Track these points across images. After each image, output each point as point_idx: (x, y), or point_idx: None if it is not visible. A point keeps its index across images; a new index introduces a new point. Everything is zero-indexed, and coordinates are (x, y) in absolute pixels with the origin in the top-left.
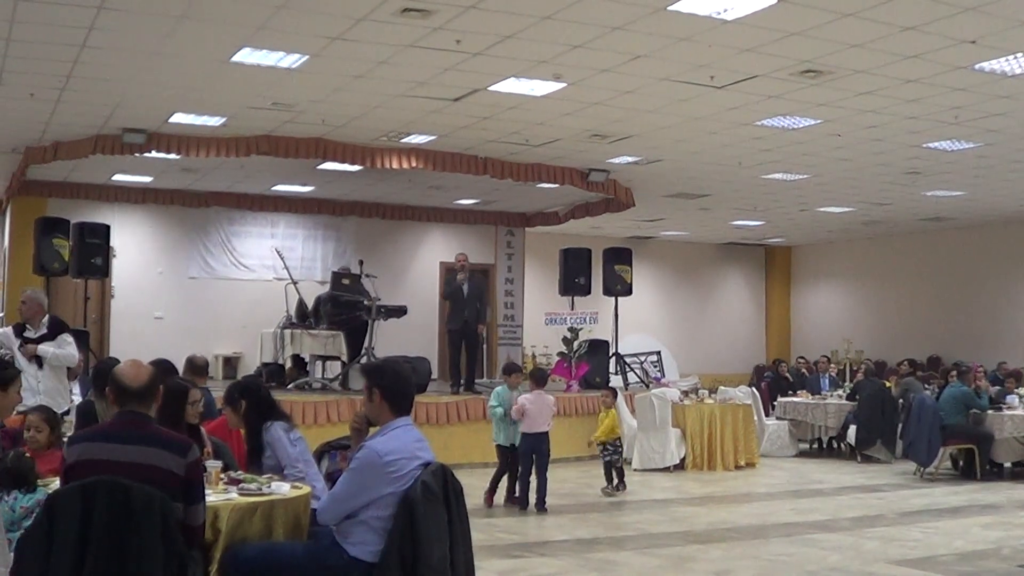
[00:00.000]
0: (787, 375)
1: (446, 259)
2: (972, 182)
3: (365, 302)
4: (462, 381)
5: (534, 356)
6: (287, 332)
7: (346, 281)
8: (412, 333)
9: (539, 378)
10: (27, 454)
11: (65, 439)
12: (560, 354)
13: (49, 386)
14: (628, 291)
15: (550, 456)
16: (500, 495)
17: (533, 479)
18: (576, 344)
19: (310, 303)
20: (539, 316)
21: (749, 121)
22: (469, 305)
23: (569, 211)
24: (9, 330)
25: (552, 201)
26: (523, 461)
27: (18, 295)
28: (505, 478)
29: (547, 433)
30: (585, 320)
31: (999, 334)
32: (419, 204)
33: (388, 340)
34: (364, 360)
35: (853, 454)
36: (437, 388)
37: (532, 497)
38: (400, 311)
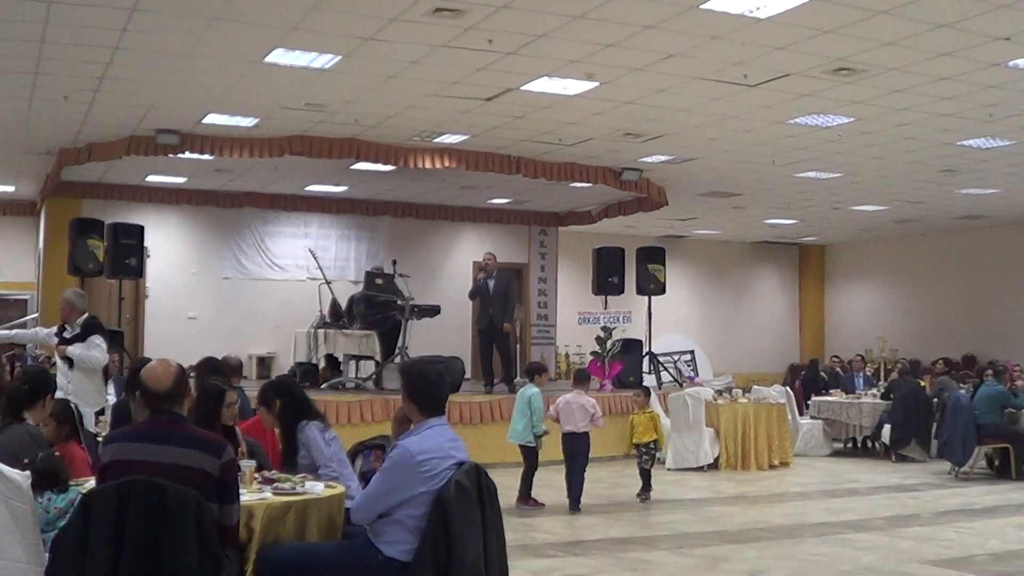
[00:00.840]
0: (822, 374)
1: (479, 258)
2: (1006, 180)
3: (398, 302)
4: (494, 380)
5: (567, 355)
6: (321, 332)
7: (379, 281)
8: (446, 333)
9: (580, 378)
10: (56, 453)
11: (100, 439)
12: (593, 353)
13: (79, 386)
14: (661, 290)
15: (588, 458)
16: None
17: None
18: (609, 343)
19: (343, 303)
20: (572, 315)
21: (782, 119)
22: (494, 303)
23: (602, 210)
24: (52, 331)
25: (585, 200)
26: (565, 461)
27: (54, 296)
28: (518, 479)
29: (587, 434)
30: (618, 319)
31: None
32: (452, 204)
33: (422, 340)
34: (398, 360)
35: (888, 454)
36: (471, 387)
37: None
38: (433, 311)
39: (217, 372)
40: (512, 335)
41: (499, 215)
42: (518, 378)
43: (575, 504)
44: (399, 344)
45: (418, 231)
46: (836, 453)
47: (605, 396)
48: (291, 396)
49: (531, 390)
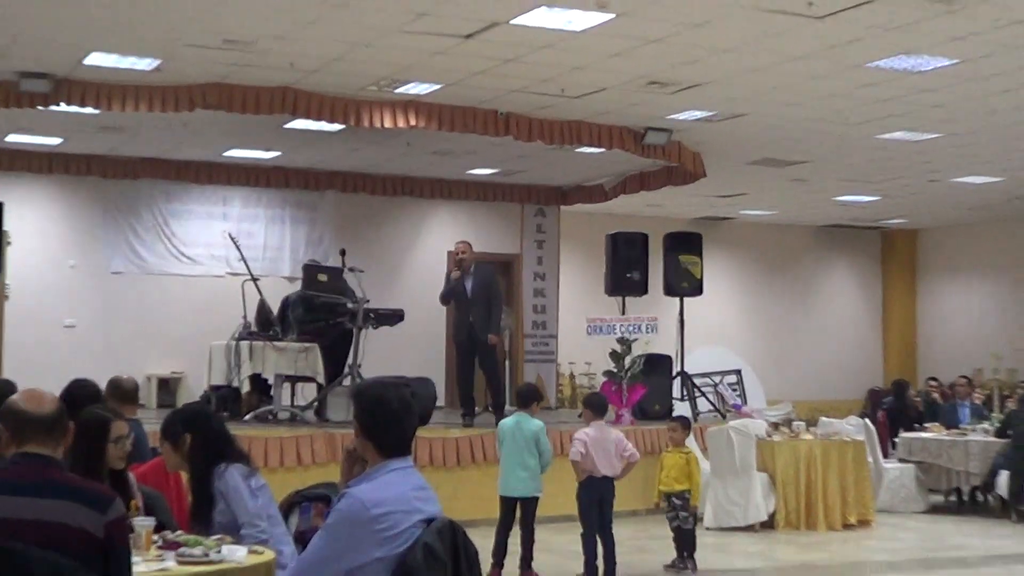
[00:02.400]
0: (914, 402)
1: (455, 248)
2: None
3: (349, 305)
4: (475, 410)
5: (572, 376)
6: (245, 345)
7: (323, 277)
8: (412, 346)
9: (598, 406)
10: None
11: None
12: (607, 373)
13: None
14: (697, 289)
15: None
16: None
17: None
18: (628, 360)
19: (275, 307)
20: (579, 323)
21: (861, 62)
22: (474, 308)
23: (619, 184)
24: None
25: (596, 171)
26: (585, 515)
27: None
28: (519, 544)
29: (613, 480)
30: (640, 328)
31: None
32: (420, 175)
33: (380, 355)
34: (348, 382)
35: (1005, 510)
36: (445, 419)
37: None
38: (395, 317)
39: (95, 400)
40: (500, 349)
41: (482, 190)
42: (509, 406)
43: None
44: (350, 361)
45: (374, 211)
46: (934, 509)
47: (624, 430)
48: (205, 430)
49: (535, 422)
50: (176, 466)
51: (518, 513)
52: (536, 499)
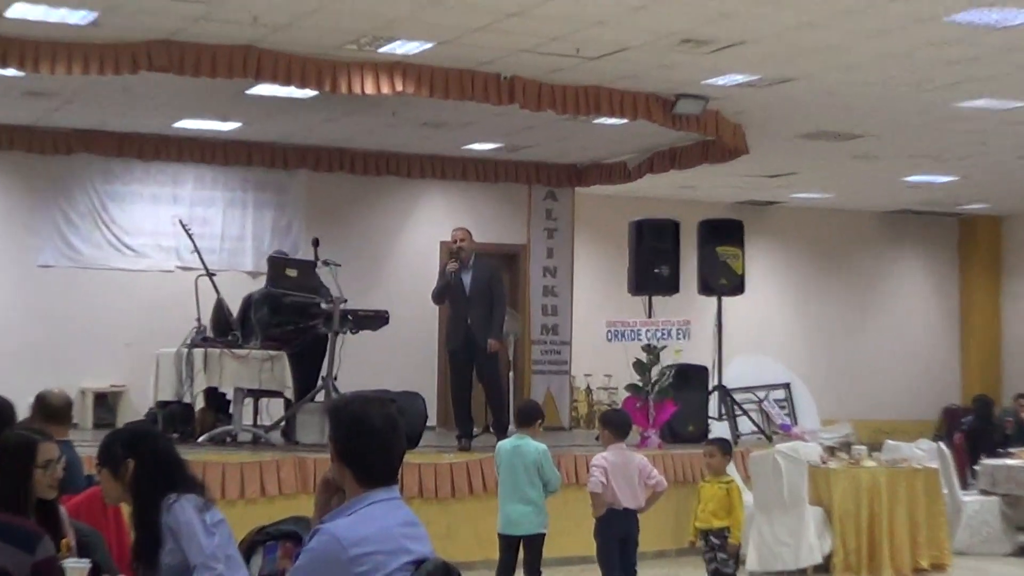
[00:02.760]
0: (1001, 422)
1: (449, 237)
2: None
3: (323, 305)
4: (473, 431)
5: (589, 390)
6: (198, 353)
7: (292, 272)
8: (399, 354)
9: (619, 425)
10: None
11: None
12: (630, 387)
13: None
14: (738, 287)
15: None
16: None
17: None
18: (656, 372)
19: (235, 307)
20: (598, 327)
21: (936, 15)
22: (473, 309)
23: (644, 162)
24: None
25: (617, 146)
26: (605, 556)
27: None
28: None
29: (637, 513)
30: (670, 334)
31: None
32: (408, 151)
33: (360, 365)
34: (322, 397)
35: None
36: (437, 441)
37: None
38: (378, 319)
39: (6, 421)
40: (503, 358)
41: (483, 169)
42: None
43: None
44: (324, 372)
45: (353, 194)
46: (1023, 551)
47: (651, 455)
48: (150, 454)
49: (536, 446)
50: (116, 498)
51: (521, 553)
52: (542, 536)
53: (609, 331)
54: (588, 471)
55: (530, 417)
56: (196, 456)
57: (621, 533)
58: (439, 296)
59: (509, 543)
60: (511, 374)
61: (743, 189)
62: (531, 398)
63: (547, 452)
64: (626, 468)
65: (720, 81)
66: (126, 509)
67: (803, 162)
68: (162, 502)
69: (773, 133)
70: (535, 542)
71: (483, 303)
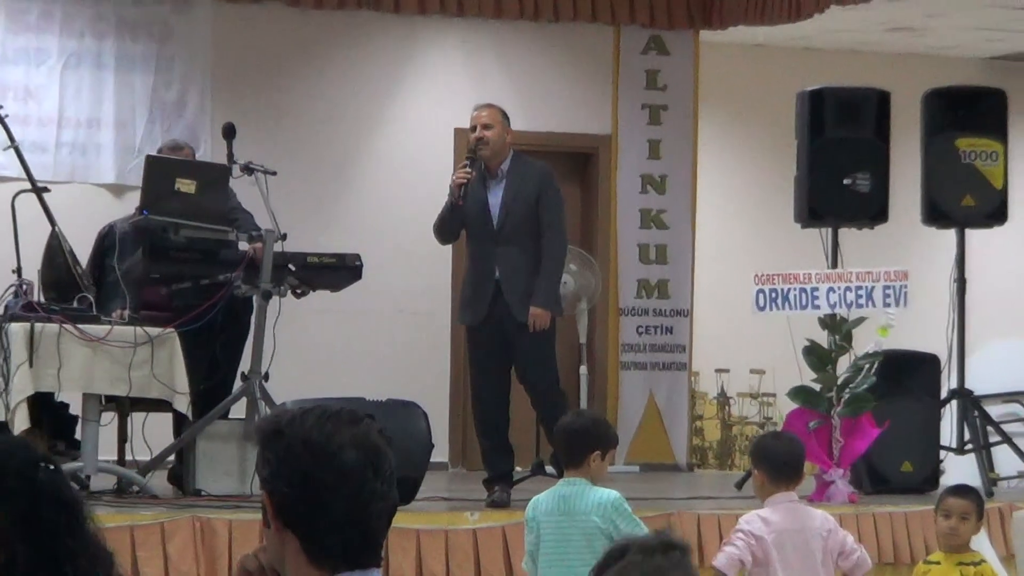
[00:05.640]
0: None
1: (466, 122)
2: None
3: (243, 246)
4: (518, 470)
5: (723, 396)
6: (19, 329)
7: (188, 185)
8: (383, 332)
9: (784, 464)
10: None
11: None
12: (800, 393)
13: None
14: (997, 213)
15: None
16: None
17: None
18: (847, 364)
19: (84, 252)
20: (737, 285)
21: None
22: (505, 252)
23: None
24: None
25: None
26: None
27: None
28: None
29: None
30: (872, 297)
31: None
32: None
33: (314, 353)
34: (244, 410)
35: None
36: (449, 488)
37: None
38: (344, 271)
39: None
40: (563, 340)
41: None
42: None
43: None
44: (245, 367)
45: (299, 42)
46: None
47: (837, 513)
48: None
49: (600, 495)
50: None
51: None
52: None
53: (760, 292)
54: (730, 538)
55: (582, 445)
56: None
57: None
58: (444, 228)
59: None
60: (582, 369)
61: (1007, 33)
62: (590, 410)
63: (622, 504)
64: (799, 535)
65: None
66: None
67: None
68: None
69: None
70: None
71: (525, 241)
